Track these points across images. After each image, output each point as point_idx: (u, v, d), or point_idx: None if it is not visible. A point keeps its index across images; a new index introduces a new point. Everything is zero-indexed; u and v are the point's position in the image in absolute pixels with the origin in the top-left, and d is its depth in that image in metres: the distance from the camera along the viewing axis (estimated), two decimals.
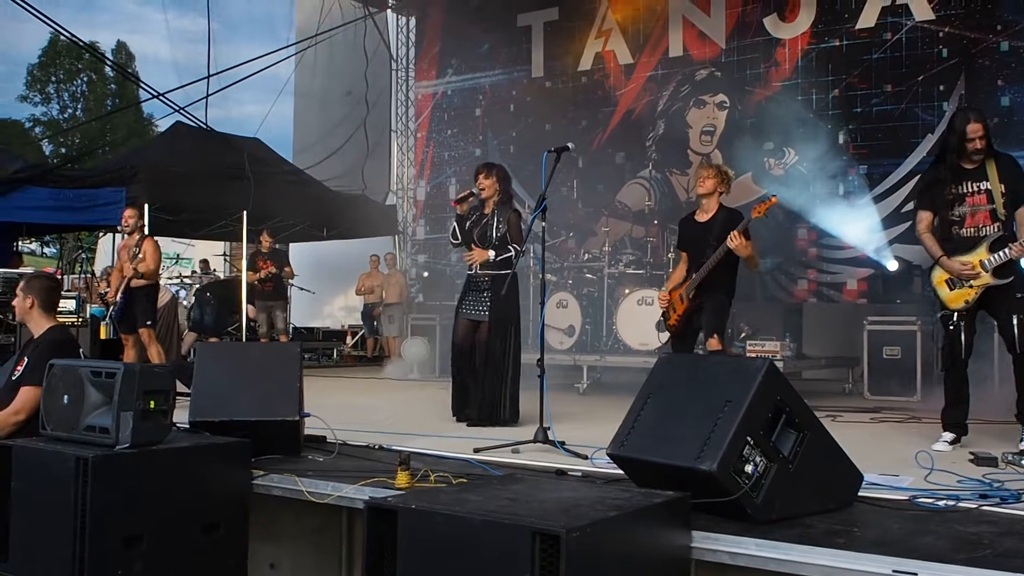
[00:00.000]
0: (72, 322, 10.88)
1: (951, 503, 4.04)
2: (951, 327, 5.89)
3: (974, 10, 10.52)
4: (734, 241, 6.64)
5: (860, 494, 4.10)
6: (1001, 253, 5.66)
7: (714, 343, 6.84)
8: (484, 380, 7.15)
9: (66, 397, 4.30)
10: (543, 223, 6.31)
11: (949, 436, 5.88)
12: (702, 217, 7.11)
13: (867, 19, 11.23)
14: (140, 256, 9.54)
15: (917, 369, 9.02)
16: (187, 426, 5.08)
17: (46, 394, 4.45)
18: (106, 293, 11.08)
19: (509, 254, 7.17)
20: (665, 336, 9.38)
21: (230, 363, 5.61)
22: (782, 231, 11.37)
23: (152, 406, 4.21)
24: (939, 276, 5.95)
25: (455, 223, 7.52)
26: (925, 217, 6.04)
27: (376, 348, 15.67)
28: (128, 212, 10.02)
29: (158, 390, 4.28)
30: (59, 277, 10.91)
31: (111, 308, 9.94)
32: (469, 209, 7.45)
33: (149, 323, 9.71)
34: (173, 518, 4.27)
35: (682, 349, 7.17)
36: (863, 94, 11.23)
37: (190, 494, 4.37)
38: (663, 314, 7.37)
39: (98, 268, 19.18)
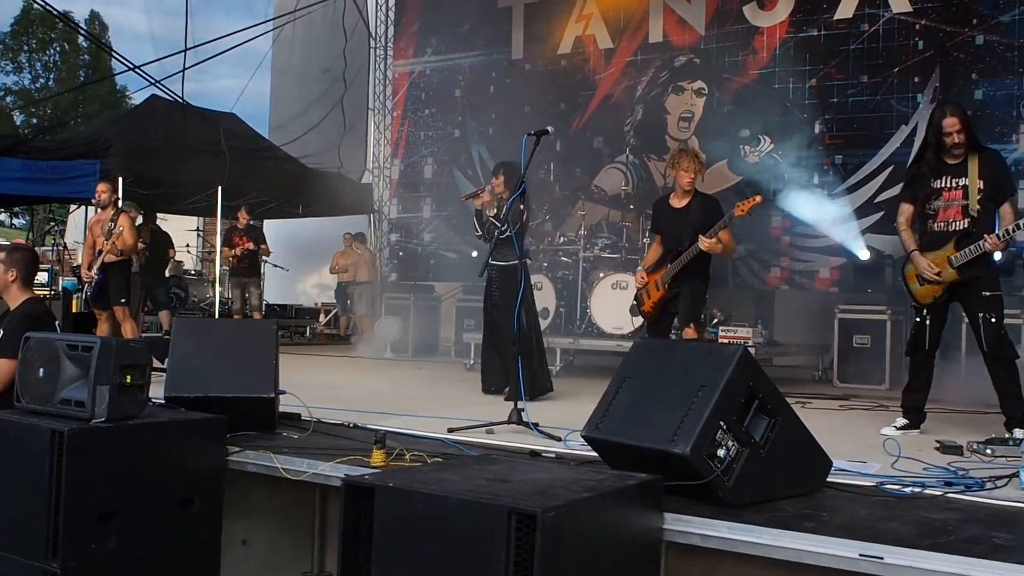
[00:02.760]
0: (44, 295, 10.77)
1: (917, 490, 4.11)
2: (918, 319, 5.98)
3: (951, 3, 10.61)
4: (705, 243, 6.73)
5: (829, 480, 4.16)
6: (967, 250, 5.71)
7: (690, 332, 6.91)
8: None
9: (42, 370, 4.28)
10: (522, 206, 6.34)
11: (901, 421, 6.00)
12: (677, 202, 7.15)
13: (845, 10, 11.30)
14: (119, 231, 9.43)
15: (886, 358, 9.12)
16: (162, 401, 5.07)
17: (21, 366, 4.43)
18: (78, 267, 10.99)
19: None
20: (639, 321, 9.45)
21: (206, 339, 5.60)
22: (755, 218, 11.36)
23: (128, 380, 4.21)
24: (910, 270, 6.03)
25: (475, 217, 8.02)
26: (905, 210, 6.10)
27: (349, 326, 15.66)
28: (102, 186, 9.89)
29: (134, 364, 4.27)
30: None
31: (87, 284, 9.83)
32: (482, 204, 7.90)
33: (124, 300, 9.63)
34: (148, 493, 4.26)
35: (657, 335, 7.23)
36: (839, 84, 11.30)
37: (165, 469, 4.37)
38: (636, 297, 7.42)
39: (69, 240, 19.03)
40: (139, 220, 12.04)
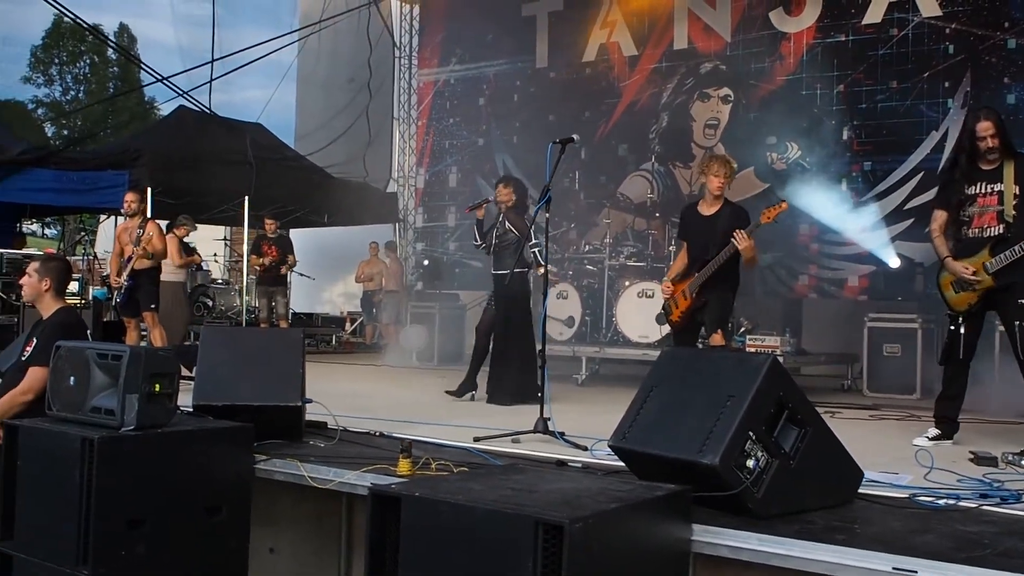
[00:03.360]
0: (75, 304, 10.85)
1: (951, 502, 4.05)
2: (952, 328, 5.90)
3: (981, 7, 10.49)
4: (742, 242, 6.64)
5: (860, 491, 4.11)
6: (1003, 255, 5.63)
7: (717, 339, 6.85)
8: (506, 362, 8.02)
9: (72, 378, 4.31)
10: (547, 214, 6.32)
11: (933, 432, 5.90)
12: (706, 210, 7.08)
13: (873, 15, 11.20)
14: (148, 236, 9.48)
15: (917, 367, 9.01)
16: (190, 410, 5.09)
17: (52, 375, 4.46)
18: (107, 276, 11.07)
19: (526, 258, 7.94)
20: (665, 329, 9.41)
21: (233, 348, 5.63)
22: (783, 226, 11.30)
23: (157, 389, 4.22)
24: (945, 278, 5.94)
25: (475, 227, 8.43)
26: (939, 216, 6.01)
27: (375, 335, 15.69)
28: (130, 196, 9.93)
29: (163, 373, 4.29)
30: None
31: (116, 292, 9.87)
32: (486, 215, 8.39)
33: (153, 306, 9.66)
34: (176, 500, 4.28)
35: (684, 344, 7.18)
36: (868, 90, 11.21)
37: (193, 477, 4.38)
38: (664, 307, 7.39)
39: (99, 250, 19.17)
40: (190, 234, 12.20)
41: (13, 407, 4.88)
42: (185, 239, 12.40)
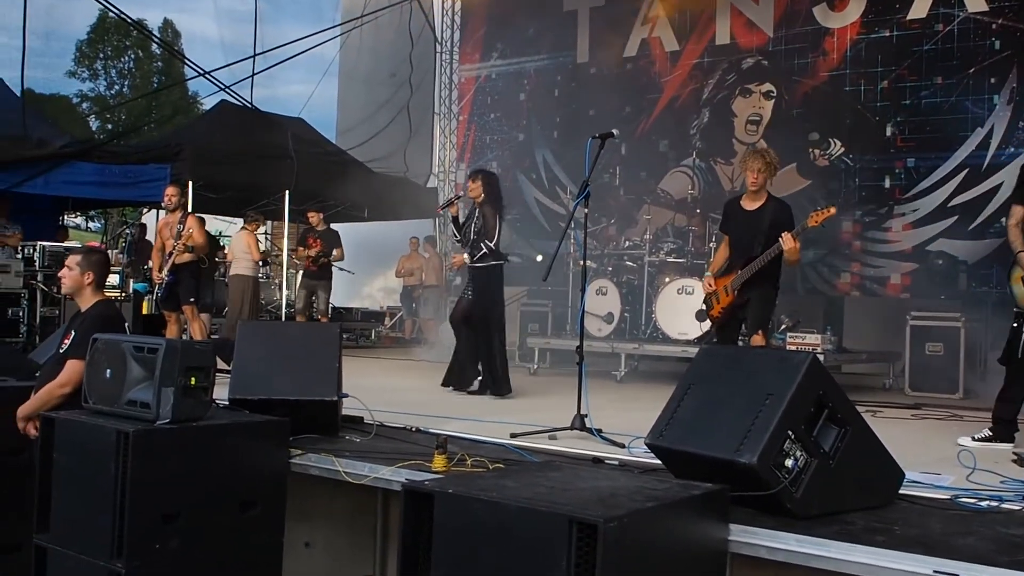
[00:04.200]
0: (115, 297, 10.96)
1: (994, 504, 3.98)
2: (1015, 325, 5.75)
3: None
4: (788, 244, 6.56)
5: (901, 492, 4.04)
6: None
7: (758, 339, 6.78)
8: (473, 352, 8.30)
9: (108, 371, 4.33)
10: (585, 210, 6.27)
11: (984, 433, 5.75)
12: (749, 205, 7.00)
13: (918, 10, 11.07)
14: (189, 231, 9.52)
15: (960, 366, 8.89)
16: (226, 403, 5.11)
17: (89, 368, 4.49)
18: (149, 269, 11.17)
19: (482, 252, 8.11)
20: (705, 326, 9.34)
21: (270, 342, 5.65)
22: (826, 223, 11.24)
23: (193, 382, 4.24)
24: (1016, 273, 5.77)
25: (452, 223, 8.67)
26: (1016, 212, 5.82)
27: (415, 330, 15.71)
28: (171, 190, 9.92)
29: (199, 366, 4.31)
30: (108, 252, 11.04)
31: (157, 286, 9.91)
32: (459, 210, 8.69)
33: (192, 300, 9.67)
34: (211, 494, 4.30)
35: (725, 340, 7.12)
36: (912, 86, 11.07)
37: (228, 471, 4.40)
38: (704, 302, 7.33)
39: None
40: (261, 231, 12.33)
41: (51, 400, 4.92)
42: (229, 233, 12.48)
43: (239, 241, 12.08)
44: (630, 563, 2.96)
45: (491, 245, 8.10)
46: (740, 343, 7.39)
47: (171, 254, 9.58)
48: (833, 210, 6.76)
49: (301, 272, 12.99)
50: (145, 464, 4.00)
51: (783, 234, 6.57)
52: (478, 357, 8.27)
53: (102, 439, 4.07)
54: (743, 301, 6.91)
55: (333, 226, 12.99)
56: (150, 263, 11.26)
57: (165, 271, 9.58)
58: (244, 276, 11.84)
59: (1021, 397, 5.79)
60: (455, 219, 8.60)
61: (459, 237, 8.52)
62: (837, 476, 3.73)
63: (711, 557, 3.49)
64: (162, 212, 11.30)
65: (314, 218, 12.85)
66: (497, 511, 3.10)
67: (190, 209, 10.51)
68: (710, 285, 7.10)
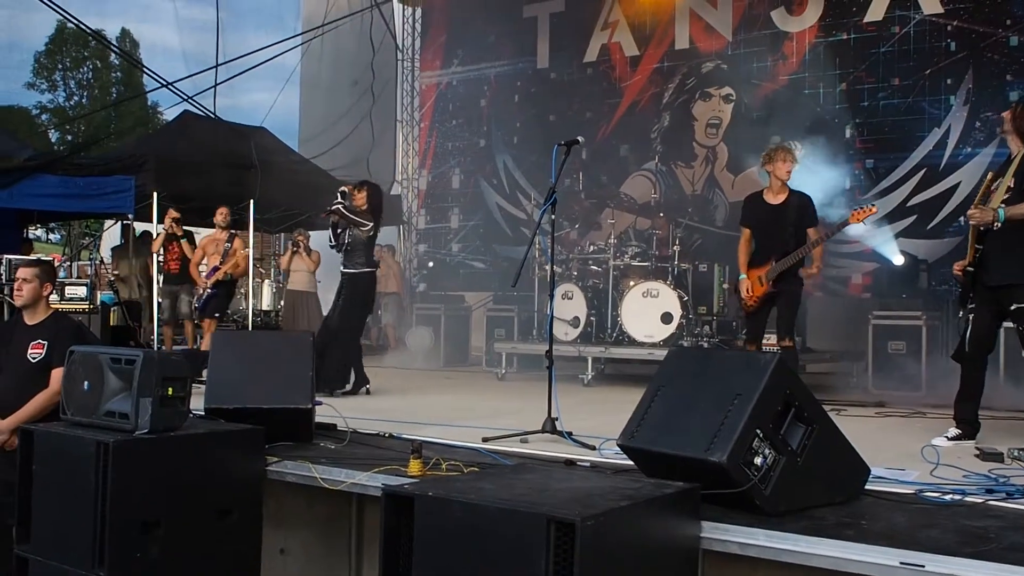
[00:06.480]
0: (83, 308, 10.95)
1: (957, 497, 4.08)
2: (960, 315, 5.88)
3: (983, 4, 10.56)
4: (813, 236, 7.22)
5: (867, 487, 4.15)
6: None
7: (787, 344, 7.25)
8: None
9: (86, 383, 4.35)
10: (552, 216, 6.32)
11: (954, 431, 5.79)
12: (772, 199, 7.24)
13: (875, 12, 11.27)
14: (235, 251, 10.88)
15: (922, 364, 9.04)
16: (202, 413, 5.13)
17: (66, 380, 4.50)
18: (113, 281, 11.37)
19: (356, 260, 8.70)
20: (670, 328, 9.48)
21: (244, 351, 5.66)
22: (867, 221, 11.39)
23: (170, 393, 4.26)
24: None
25: (331, 228, 8.89)
26: None
27: (379, 337, 15.70)
28: (223, 210, 11.26)
29: (176, 377, 4.33)
30: (64, 263, 11.49)
31: (201, 294, 11.06)
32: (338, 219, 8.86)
33: (217, 315, 10.95)
34: (189, 503, 4.32)
35: (755, 325, 7.54)
36: (870, 88, 11.26)
37: (206, 479, 4.43)
38: (736, 290, 7.75)
39: (105, 255, 19.18)
40: (302, 247, 12.57)
41: (48, 408, 4.99)
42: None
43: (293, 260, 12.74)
44: (606, 561, 3.03)
45: (366, 255, 8.70)
46: (764, 350, 7.60)
47: (215, 269, 10.89)
48: (875, 209, 7.17)
49: (162, 277, 12.58)
50: (125, 474, 4.02)
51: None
52: (349, 360, 8.65)
53: (81, 450, 4.09)
54: (776, 291, 7.30)
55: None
56: (150, 264, 12.19)
57: (211, 283, 10.85)
58: (302, 292, 12.63)
59: (979, 393, 5.88)
60: (334, 224, 8.85)
61: (334, 243, 8.86)
62: (805, 473, 3.82)
63: (684, 554, 3.57)
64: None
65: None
66: (476, 512, 3.16)
67: (154, 219, 10.87)
68: (750, 296, 7.47)
